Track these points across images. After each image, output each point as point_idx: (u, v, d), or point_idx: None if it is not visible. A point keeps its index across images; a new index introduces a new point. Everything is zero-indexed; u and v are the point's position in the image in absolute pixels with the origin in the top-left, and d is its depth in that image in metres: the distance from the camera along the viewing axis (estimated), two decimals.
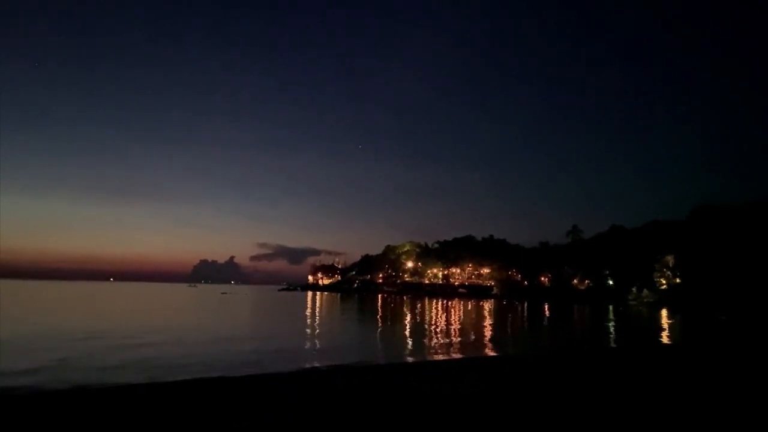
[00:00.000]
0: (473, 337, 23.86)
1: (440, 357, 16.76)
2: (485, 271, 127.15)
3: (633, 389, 9.90)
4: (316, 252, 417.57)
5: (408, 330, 27.43)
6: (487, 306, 65.14)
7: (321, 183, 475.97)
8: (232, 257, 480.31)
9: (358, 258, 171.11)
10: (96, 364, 13.38)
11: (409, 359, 16.07)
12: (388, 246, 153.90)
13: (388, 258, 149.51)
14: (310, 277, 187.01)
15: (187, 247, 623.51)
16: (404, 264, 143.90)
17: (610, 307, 64.81)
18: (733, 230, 66.49)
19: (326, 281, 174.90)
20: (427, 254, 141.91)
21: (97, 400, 8.79)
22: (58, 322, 28.02)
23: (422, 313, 44.20)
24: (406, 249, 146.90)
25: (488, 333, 26.78)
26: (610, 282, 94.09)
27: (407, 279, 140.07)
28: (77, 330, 22.60)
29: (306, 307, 53.16)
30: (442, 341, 21.52)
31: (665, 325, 34.71)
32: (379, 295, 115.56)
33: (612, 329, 31.78)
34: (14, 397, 9.07)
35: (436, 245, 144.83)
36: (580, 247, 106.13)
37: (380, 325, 31.89)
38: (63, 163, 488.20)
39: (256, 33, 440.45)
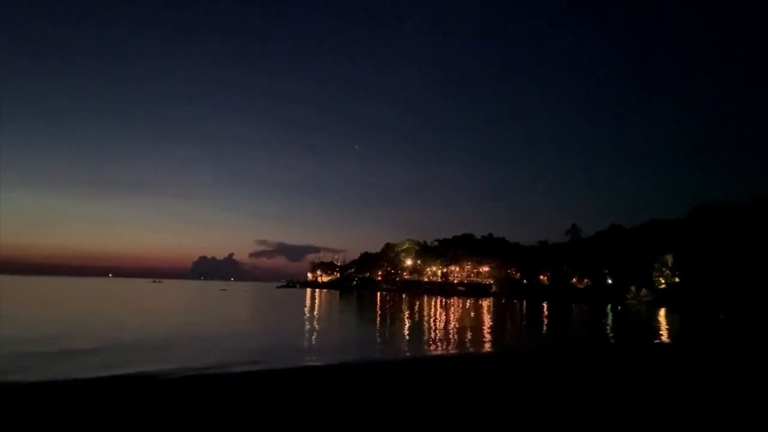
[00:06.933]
0: (470, 334, 23.91)
1: (437, 353, 16.77)
2: (484, 269, 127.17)
3: (626, 387, 9.91)
4: (315, 249, 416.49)
5: (406, 327, 27.45)
6: (486, 304, 65.19)
7: (321, 180, 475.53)
8: (231, 254, 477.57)
9: (357, 255, 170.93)
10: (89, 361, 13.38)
11: (406, 355, 16.08)
12: (388, 244, 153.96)
13: (388, 256, 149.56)
14: (310, 275, 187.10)
15: (187, 243, 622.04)
16: (403, 262, 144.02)
17: (609, 306, 64.89)
18: (731, 229, 66.58)
19: (325, 278, 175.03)
20: (426, 252, 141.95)
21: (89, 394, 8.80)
22: (72, 317, 28.01)
23: (420, 311, 44.24)
24: (405, 247, 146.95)
25: (486, 331, 26.81)
26: (609, 281, 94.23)
27: (406, 277, 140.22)
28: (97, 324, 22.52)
29: (305, 304, 53.17)
30: (439, 338, 21.56)
31: (662, 324, 34.74)
32: (378, 293, 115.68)
33: (609, 328, 31.80)
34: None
35: (436, 243, 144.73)
36: (579, 246, 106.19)
37: (379, 322, 31.91)
38: (61, 159, 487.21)
39: (256, 29, 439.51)
